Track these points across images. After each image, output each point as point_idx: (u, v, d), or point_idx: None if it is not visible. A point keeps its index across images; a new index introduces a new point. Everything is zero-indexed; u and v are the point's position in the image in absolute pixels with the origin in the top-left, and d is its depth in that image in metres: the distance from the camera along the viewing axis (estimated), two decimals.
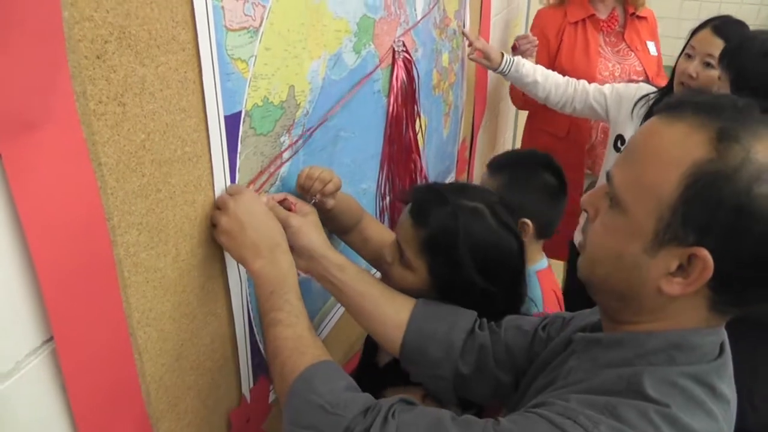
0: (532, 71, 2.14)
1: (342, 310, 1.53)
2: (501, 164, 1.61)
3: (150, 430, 0.93)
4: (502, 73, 2.15)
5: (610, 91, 2.11)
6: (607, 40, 2.50)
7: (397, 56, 1.52)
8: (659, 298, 0.73)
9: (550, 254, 2.59)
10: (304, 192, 1.15)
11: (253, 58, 1.00)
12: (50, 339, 0.73)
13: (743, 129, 0.67)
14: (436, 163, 2.02)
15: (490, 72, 2.42)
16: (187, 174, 0.90)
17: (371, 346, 1.30)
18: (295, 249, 1.04)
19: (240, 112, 1.00)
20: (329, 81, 1.26)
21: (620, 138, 2.06)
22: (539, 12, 2.59)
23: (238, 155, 1.01)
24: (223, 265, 1.04)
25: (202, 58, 0.88)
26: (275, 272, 0.96)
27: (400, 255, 1.12)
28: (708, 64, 1.84)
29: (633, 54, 2.51)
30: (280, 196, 1.10)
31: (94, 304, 0.77)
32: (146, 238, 0.85)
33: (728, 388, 0.75)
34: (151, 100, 0.81)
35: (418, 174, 1.75)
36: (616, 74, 2.47)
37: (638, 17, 2.52)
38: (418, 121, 1.70)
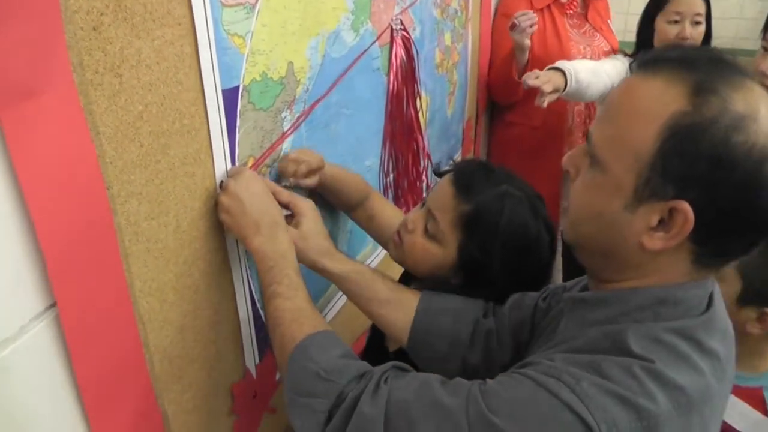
0: (584, 75, 2.02)
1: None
2: None
3: (154, 400, 0.95)
4: (567, 95, 2.03)
5: (623, 68, 2.13)
6: (571, 23, 2.48)
7: (395, 34, 1.53)
8: (642, 254, 0.74)
9: None
10: (281, 174, 1.14)
11: (250, 33, 1.02)
12: (53, 305, 0.75)
13: (720, 80, 0.67)
14: (440, 141, 2.03)
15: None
16: (186, 146, 0.92)
17: (380, 330, 1.30)
18: (299, 260, 1.05)
19: (238, 87, 1.01)
20: (329, 59, 1.27)
21: None
22: (504, 1, 2.51)
23: (237, 129, 1.03)
24: (224, 240, 1.06)
25: (198, 32, 0.90)
26: (274, 248, 0.98)
27: (426, 225, 1.10)
28: (698, 23, 1.95)
29: (598, 34, 2.50)
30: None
31: (96, 271, 0.79)
32: (146, 208, 0.86)
33: (719, 343, 0.75)
34: (147, 72, 0.82)
35: (420, 152, 1.76)
36: (588, 56, 2.43)
37: None
38: (418, 99, 1.71)
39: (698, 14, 1.97)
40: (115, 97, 0.78)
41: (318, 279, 1.21)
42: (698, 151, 0.66)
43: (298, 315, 0.92)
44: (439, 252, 1.08)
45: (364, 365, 0.87)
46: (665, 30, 2.00)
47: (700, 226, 0.69)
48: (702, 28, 1.99)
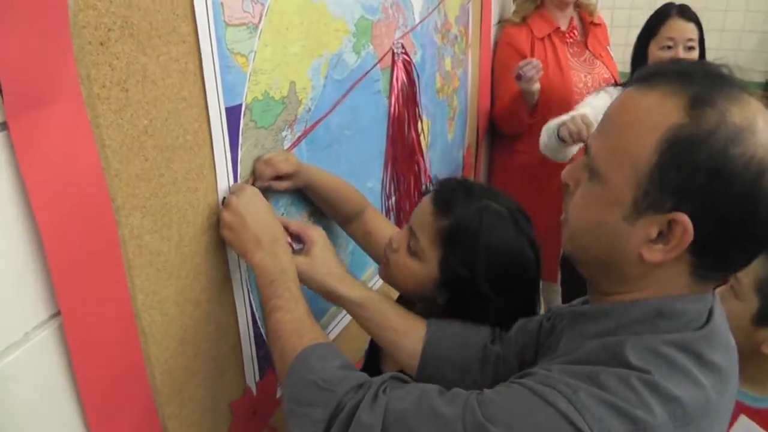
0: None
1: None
2: None
3: (155, 413, 0.95)
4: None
5: (601, 110, 2.10)
6: (572, 51, 2.50)
7: (396, 58, 1.56)
8: (641, 266, 0.74)
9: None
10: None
11: (253, 53, 1.04)
12: (57, 313, 0.76)
13: (717, 93, 0.68)
14: (441, 166, 2.05)
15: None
16: (189, 161, 0.94)
17: (374, 352, 1.30)
18: (311, 287, 1.06)
19: (240, 105, 1.03)
20: (332, 80, 1.29)
21: None
22: (506, 30, 2.52)
23: (239, 147, 1.05)
24: (226, 255, 1.07)
25: (203, 50, 0.92)
26: (275, 263, 0.99)
27: (409, 243, 1.10)
28: (690, 48, 1.94)
29: (598, 61, 2.51)
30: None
31: (100, 282, 0.80)
32: (150, 221, 0.88)
33: (721, 356, 0.74)
34: (153, 87, 0.85)
35: (422, 174, 1.78)
36: (589, 84, 2.45)
37: (594, 24, 2.54)
38: (420, 122, 1.73)
39: (690, 39, 1.95)
40: (121, 111, 0.80)
41: (322, 298, 1.22)
42: (696, 164, 0.66)
43: (298, 327, 0.93)
44: (421, 269, 1.08)
45: (363, 376, 0.87)
46: (658, 57, 2.00)
47: (700, 239, 0.69)
48: (695, 53, 1.99)
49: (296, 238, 1.11)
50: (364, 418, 0.78)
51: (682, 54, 1.93)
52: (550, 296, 2.97)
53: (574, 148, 2.06)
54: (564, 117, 1.99)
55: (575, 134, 1.91)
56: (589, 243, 0.78)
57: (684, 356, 0.71)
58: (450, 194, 1.07)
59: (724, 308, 0.82)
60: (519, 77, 2.15)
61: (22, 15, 0.65)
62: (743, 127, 0.66)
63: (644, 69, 0.76)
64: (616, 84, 2.25)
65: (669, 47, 1.95)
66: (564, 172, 0.84)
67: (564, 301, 2.42)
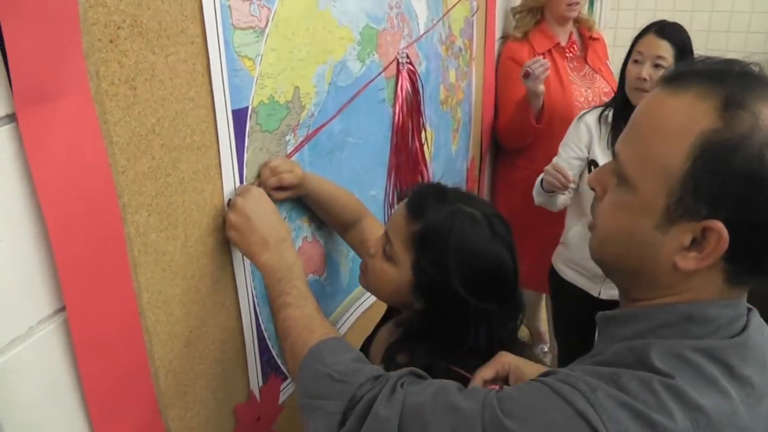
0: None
1: (359, 310, 1.57)
2: None
3: (159, 414, 0.95)
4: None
5: (575, 131, 2.09)
6: (572, 66, 2.51)
7: (401, 67, 1.57)
8: (674, 274, 0.72)
9: (530, 286, 2.56)
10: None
11: (260, 56, 1.05)
12: (62, 308, 0.77)
13: (751, 94, 0.66)
14: (445, 177, 2.05)
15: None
16: (196, 162, 0.94)
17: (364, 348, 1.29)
18: None
19: (247, 108, 1.04)
20: (336, 87, 1.30)
21: (593, 162, 2.04)
22: (508, 45, 2.54)
23: (245, 149, 1.05)
24: (231, 258, 1.07)
25: (210, 52, 0.93)
26: (282, 262, 1.00)
27: (384, 248, 1.11)
28: (658, 66, 1.88)
29: (598, 76, 2.53)
30: None
31: (105, 278, 0.80)
32: (156, 220, 0.88)
33: (754, 372, 0.70)
34: (160, 87, 0.85)
35: None
36: (590, 99, 2.46)
37: (593, 39, 2.56)
38: (423, 132, 1.74)
39: (660, 57, 1.88)
40: (129, 109, 0.81)
41: (330, 295, 1.20)
42: (731, 169, 0.64)
43: (309, 322, 0.93)
44: (395, 274, 1.08)
45: (378, 369, 0.87)
46: (630, 69, 1.96)
47: (735, 245, 0.67)
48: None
49: None
50: (381, 411, 0.77)
51: (647, 69, 1.88)
52: (535, 307, 2.97)
53: (564, 197, 2.08)
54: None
55: (556, 185, 1.94)
56: (619, 251, 0.76)
57: (711, 364, 0.68)
58: (423, 198, 1.08)
59: None
60: (527, 75, 2.17)
61: (33, 10, 0.65)
62: None
63: (672, 69, 0.75)
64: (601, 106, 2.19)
65: (636, 61, 1.92)
66: (591, 177, 0.82)
67: (553, 314, 2.41)
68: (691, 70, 0.72)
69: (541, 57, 2.24)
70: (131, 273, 0.85)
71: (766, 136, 0.64)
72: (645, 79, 1.87)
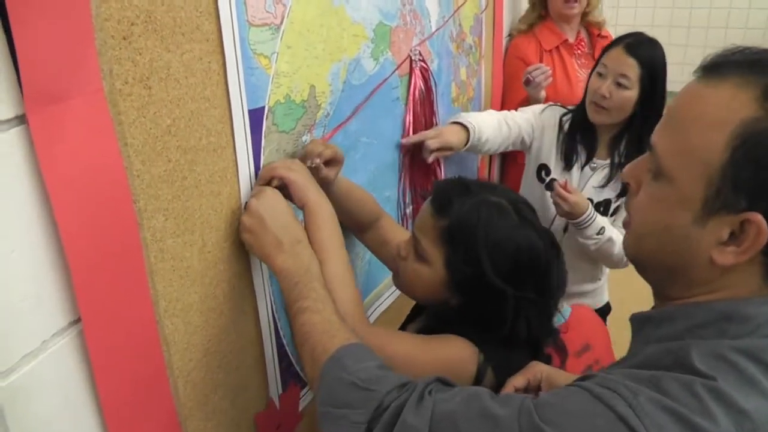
0: (487, 131, 1.85)
1: (377, 312, 1.53)
2: None
3: (179, 428, 0.92)
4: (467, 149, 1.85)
5: (536, 119, 2.01)
6: (580, 62, 2.45)
7: (414, 65, 1.53)
8: (711, 269, 0.70)
9: None
10: (306, 155, 1.11)
11: (275, 54, 1.01)
12: (78, 320, 0.73)
13: None
14: (457, 175, 2.02)
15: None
16: (212, 164, 0.91)
17: None
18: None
19: (263, 108, 1.00)
20: (350, 85, 1.27)
21: (544, 167, 1.97)
22: (514, 42, 2.48)
23: (262, 150, 1.02)
24: (249, 263, 1.04)
25: (226, 49, 0.89)
26: (298, 264, 0.96)
27: (415, 248, 1.09)
28: (620, 84, 1.73)
29: None
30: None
31: (122, 287, 0.77)
32: (172, 224, 0.85)
33: None
34: (176, 86, 0.82)
35: None
36: None
37: (602, 37, 2.49)
38: None
39: (623, 75, 1.72)
40: (143, 109, 0.77)
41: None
42: None
43: (328, 327, 0.89)
44: (429, 273, 1.06)
45: (403, 376, 0.83)
46: (592, 81, 1.82)
47: None
48: (628, 93, 1.73)
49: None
50: (410, 419, 0.74)
51: (608, 87, 1.74)
52: None
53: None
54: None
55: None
56: (655, 247, 0.75)
57: (753, 365, 0.66)
58: (447, 194, 1.06)
59: None
60: (528, 82, 2.13)
61: (44, 5, 0.62)
62: None
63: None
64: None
65: (600, 74, 1.79)
66: (624, 171, 0.80)
67: None
68: (728, 60, 0.70)
69: (543, 64, 2.18)
70: (148, 280, 0.81)
71: None
72: (604, 96, 1.75)
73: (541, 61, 2.38)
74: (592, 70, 1.85)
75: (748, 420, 0.63)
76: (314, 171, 1.07)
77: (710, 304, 0.71)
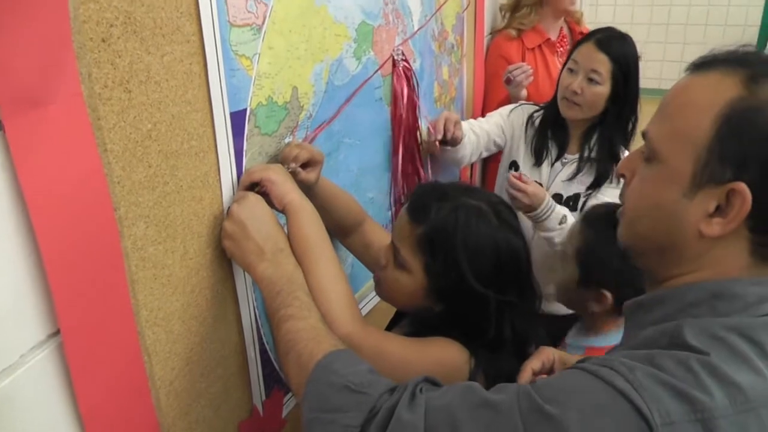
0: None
1: (374, 301, 1.53)
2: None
3: None
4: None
5: (504, 121, 2.02)
6: (561, 60, 2.42)
7: (397, 65, 1.52)
8: (700, 243, 0.73)
9: None
10: (282, 160, 1.08)
11: (257, 55, 0.99)
12: (56, 332, 0.71)
13: None
14: (439, 175, 2.01)
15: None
16: (194, 169, 0.88)
17: None
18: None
19: (245, 110, 0.98)
20: (332, 86, 1.25)
21: (514, 164, 1.97)
22: (496, 40, 2.45)
23: (244, 154, 1.00)
24: (231, 270, 1.01)
25: (207, 51, 0.87)
26: (280, 273, 0.94)
27: (394, 256, 1.07)
28: (591, 80, 1.73)
29: None
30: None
31: (102, 298, 0.75)
32: (154, 232, 0.82)
33: None
34: (156, 89, 0.79)
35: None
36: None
37: (582, 34, 2.48)
38: (419, 131, 1.69)
39: (595, 71, 1.72)
40: (123, 113, 0.75)
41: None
42: (755, 131, 0.67)
43: (315, 334, 0.87)
44: (409, 281, 1.05)
45: (392, 381, 0.81)
46: (563, 77, 1.81)
47: (757, 211, 0.68)
48: (600, 89, 1.73)
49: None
50: (405, 415, 0.73)
51: (580, 83, 1.74)
52: None
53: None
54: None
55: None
56: (647, 227, 0.78)
57: (743, 342, 0.69)
58: (423, 200, 1.05)
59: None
60: (509, 81, 2.12)
61: (19, 6, 0.59)
62: None
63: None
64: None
65: (571, 70, 1.79)
66: (620, 164, 0.84)
67: None
68: (715, 56, 0.75)
69: (524, 63, 2.16)
70: (129, 290, 0.79)
71: None
72: (576, 92, 1.75)
73: (523, 59, 2.36)
74: (564, 66, 1.85)
75: (741, 393, 0.65)
76: (292, 176, 1.05)
77: (700, 284, 0.74)
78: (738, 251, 0.73)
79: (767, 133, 0.67)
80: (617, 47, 1.74)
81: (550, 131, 1.89)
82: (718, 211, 0.71)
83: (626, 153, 1.76)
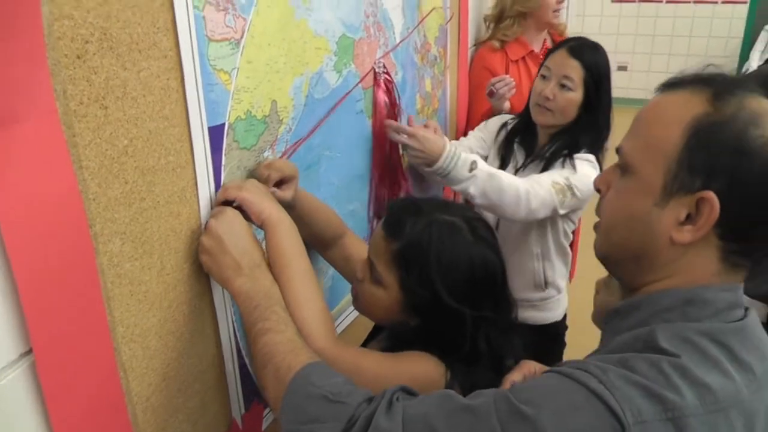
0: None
1: (340, 327, 1.51)
2: None
3: None
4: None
5: (485, 133, 2.03)
6: None
7: (378, 77, 1.52)
8: (672, 250, 0.77)
9: None
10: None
11: (236, 70, 0.99)
12: (29, 351, 0.70)
13: (736, 87, 0.75)
14: (422, 187, 2.01)
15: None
16: (171, 184, 0.88)
17: None
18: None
19: (223, 125, 0.98)
20: (312, 99, 1.25)
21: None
22: (480, 52, 2.46)
23: (222, 169, 0.99)
24: (210, 284, 1.01)
25: (185, 66, 0.87)
26: (257, 288, 0.94)
27: (371, 271, 1.08)
28: (564, 86, 1.75)
29: None
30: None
31: (76, 316, 0.74)
32: (130, 248, 0.82)
33: (755, 360, 0.74)
34: (133, 105, 0.79)
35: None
36: None
37: None
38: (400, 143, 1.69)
39: (567, 77, 1.73)
40: (99, 130, 0.74)
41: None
42: (721, 143, 0.72)
43: (292, 347, 0.88)
44: (385, 296, 1.05)
45: (370, 391, 0.83)
46: (536, 84, 1.83)
47: (725, 219, 0.73)
48: (572, 95, 1.75)
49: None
50: (383, 423, 0.75)
51: (552, 89, 1.75)
52: None
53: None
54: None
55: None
56: (622, 236, 0.82)
57: (714, 346, 0.72)
58: (398, 216, 1.05)
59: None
60: (491, 94, 2.12)
61: None
62: (760, 113, 0.73)
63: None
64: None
65: (544, 77, 1.80)
66: (596, 179, 0.88)
67: None
68: (683, 77, 0.81)
69: (507, 76, 2.17)
70: (105, 307, 0.79)
71: (750, 116, 0.72)
72: (548, 98, 1.76)
73: (507, 71, 2.37)
74: (537, 74, 1.86)
75: (711, 394, 0.69)
76: None
77: (673, 290, 0.78)
78: (708, 258, 0.77)
79: (732, 145, 0.72)
80: (589, 55, 1.77)
81: (519, 137, 1.91)
82: (689, 219, 0.75)
83: (588, 155, 1.76)
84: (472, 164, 1.57)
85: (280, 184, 1.09)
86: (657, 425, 0.66)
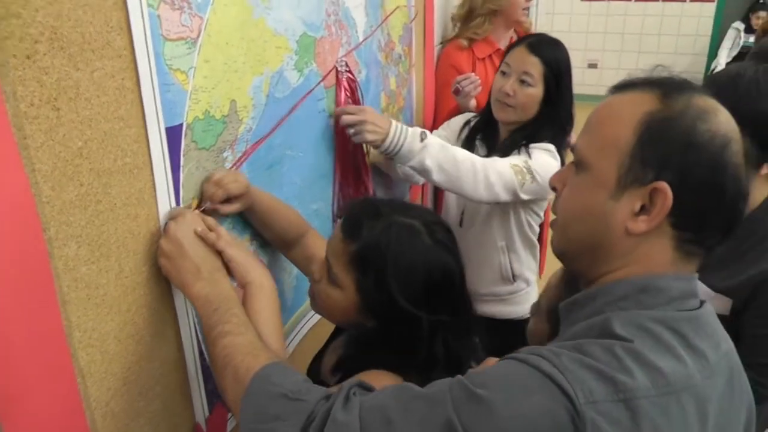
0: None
1: (306, 328, 1.52)
2: None
3: None
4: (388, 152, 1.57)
5: (448, 132, 2.04)
6: None
7: (340, 76, 1.52)
8: (627, 240, 0.79)
9: None
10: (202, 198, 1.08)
11: (193, 69, 0.98)
12: None
13: (684, 87, 0.79)
14: (387, 186, 2.01)
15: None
16: (129, 186, 0.87)
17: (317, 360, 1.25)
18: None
19: (181, 125, 0.97)
20: (273, 99, 1.24)
21: None
22: (446, 50, 2.47)
23: (180, 169, 0.98)
24: (170, 286, 1.00)
25: (140, 66, 0.86)
26: (217, 291, 0.94)
27: (328, 272, 1.06)
28: (523, 82, 1.76)
29: None
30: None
31: (31, 321, 0.73)
32: (86, 251, 0.81)
33: (708, 347, 0.77)
34: (87, 105, 0.78)
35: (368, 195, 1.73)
36: None
37: None
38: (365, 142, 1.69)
39: (527, 73, 1.75)
40: (52, 132, 0.73)
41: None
42: (671, 137, 0.76)
43: (251, 348, 0.88)
44: (341, 297, 1.04)
45: (327, 389, 0.83)
46: (495, 80, 1.84)
47: (678, 209, 0.75)
48: (532, 91, 1.76)
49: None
50: (340, 416, 0.75)
51: (512, 85, 1.77)
52: None
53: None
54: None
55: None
56: (578, 230, 0.84)
57: (668, 333, 0.75)
58: (356, 217, 1.04)
59: None
60: (457, 92, 2.13)
61: None
62: (707, 109, 0.77)
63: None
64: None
65: (504, 73, 1.81)
66: (551, 178, 0.90)
67: None
68: (634, 80, 0.84)
69: (473, 74, 2.17)
70: (60, 312, 0.77)
71: (697, 112, 0.76)
72: (508, 94, 1.77)
73: (473, 69, 2.38)
74: (497, 71, 1.87)
75: (662, 377, 0.70)
76: (212, 212, 1.05)
77: (628, 279, 0.80)
78: (663, 247, 0.79)
79: (681, 139, 0.75)
80: (549, 51, 1.78)
81: (481, 134, 1.92)
82: (643, 210, 0.77)
83: (547, 144, 1.77)
84: (422, 134, 1.55)
85: (227, 199, 1.09)
86: (608, 406, 0.67)
